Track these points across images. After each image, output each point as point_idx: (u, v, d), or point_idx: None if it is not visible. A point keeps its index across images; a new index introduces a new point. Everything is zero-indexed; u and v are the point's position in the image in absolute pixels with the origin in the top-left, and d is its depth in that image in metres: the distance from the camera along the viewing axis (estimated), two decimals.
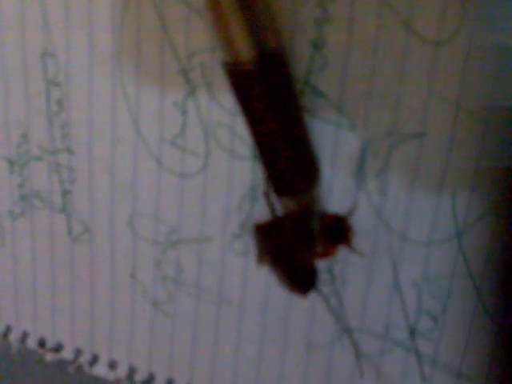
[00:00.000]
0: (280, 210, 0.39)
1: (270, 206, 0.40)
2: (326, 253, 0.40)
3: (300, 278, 0.40)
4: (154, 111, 0.41)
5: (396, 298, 0.40)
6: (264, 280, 0.42)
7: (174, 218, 0.43)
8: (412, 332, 0.40)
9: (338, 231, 0.40)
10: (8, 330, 0.51)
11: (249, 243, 0.42)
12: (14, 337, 0.51)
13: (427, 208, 0.38)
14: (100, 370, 0.50)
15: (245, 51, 0.34)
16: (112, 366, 0.49)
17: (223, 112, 0.39)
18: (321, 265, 0.40)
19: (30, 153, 0.45)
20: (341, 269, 0.40)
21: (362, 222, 0.39)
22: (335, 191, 0.39)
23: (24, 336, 0.51)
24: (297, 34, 0.36)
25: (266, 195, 0.40)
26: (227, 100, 0.39)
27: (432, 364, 0.40)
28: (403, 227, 0.38)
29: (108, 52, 0.41)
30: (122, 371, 0.49)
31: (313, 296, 0.41)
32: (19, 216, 0.47)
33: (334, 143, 0.38)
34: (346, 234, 0.40)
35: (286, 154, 0.36)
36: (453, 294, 0.39)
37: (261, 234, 0.41)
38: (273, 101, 0.35)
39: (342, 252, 0.40)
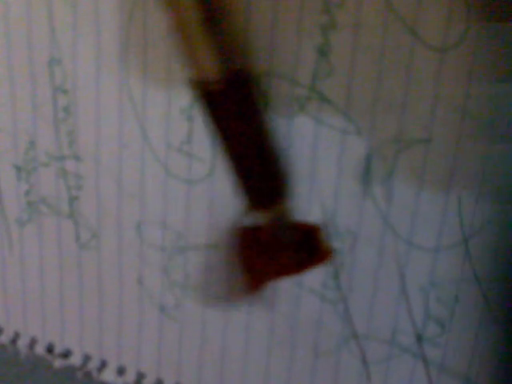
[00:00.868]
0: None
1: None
2: (298, 266, 0.41)
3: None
4: (160, 118, 0.41)
5: (403, 304, 0.40)
6: (271, 285, 0.42)
7: (180, 223, 0.43)
8: (419, 338, 0.40)
9: (311, 244, 0.40)
10: (16, 336, 0.52)
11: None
12: (22, 343, 0.52)
13: (433, 213, 0.38)
14: (108, 375, 0.50)
15: (212, 71, 0.35)
16: (120, 371, 0.49)
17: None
18: (327, 270, 0.40)
19: (37, 159, 0.45)
20: (347, 275, 0.40)
21: (368, 228, 0.39)
22: (341, 197, 0.39)
23: (32, 342, 0.51)
24: (303, 41, 0.36)
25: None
26: None
27: (439, 369, 0.40)
28: (410, 233, 0.38)
29: (115, 59, 0.41)
30: (130, 377, 0.49)
31: (320, 302, 0.41)
32: (27, 222, 0.47)
33: (341, 149, 0.38)
34: (319, 247, 0.40)
35: (254, 170, 0.37)
36: (460, 299, 0.39)
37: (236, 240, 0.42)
38: (240, 119, 0.36)
39: (347, 258, 0.40)
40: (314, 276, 0.41)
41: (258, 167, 0.37)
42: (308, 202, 0.40)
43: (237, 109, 0.35)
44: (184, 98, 0.40)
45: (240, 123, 0.36)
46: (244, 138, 0.36)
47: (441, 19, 0.34)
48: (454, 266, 0.38)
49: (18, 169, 0.46)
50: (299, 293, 0.42)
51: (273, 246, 0.40)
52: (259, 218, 0.39)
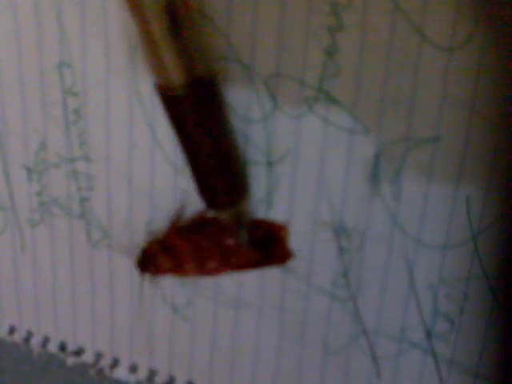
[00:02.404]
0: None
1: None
2: (255, 263, 0.42)
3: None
4: None
5: (412, 301, 0.40)
6: (281, 283, 0.43)
7: None
8: (428, 334, 0.40)
9: (268, 243, 0.42)
10: (29, 335, 0.52)
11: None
12: (35, 341, 0.52)
13: (442, 211, 0.38)
14: (121, 373, 0.50)
15: (176, 76, 0.35)
16: (132, 369, 0.50)
17: (237, 119, 0.40)
18: (336, 268, 0.41)
19: (47, 161, 0.46)
20: (357, 273, 0.41)
21: (377, 227, 0.39)
22: (350, 196, 0.39)
23: (45, 340, 0.52)
24: (310, 42, 0.37)
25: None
26: (241, 107, 0.39)
27: (449, 365, 0.41)
28: (418, 231, 0.38)
29: (124, 60, 0.41)
30: (142, 374, 0.49)
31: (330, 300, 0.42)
32: (38, 223, 0.48)
33: (349, 149, 0.38)
34: (281, 246, 0.42)
35: (214, 172, 0.38)
36: (469, 296, 0.39)
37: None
38: (202, 123, 0.37)
39: (356, 257, 0.40)
40: (324, 275, 0.41)
41: (217, 169, 0.38)
42: (316, 202, 0.40)
43: (199, 113, 0.36)
44: None
45: (202, 127, 0.37)
46: (205, 142, 0.37)
47: (448, 19, 0.34)
48: (462, 263, 0.38)
49: (29, 170, 0.46)
50: (309, 291, 0.42)
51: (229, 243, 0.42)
52: (219, 217, 0.41)
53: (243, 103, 0.39)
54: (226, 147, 0.38)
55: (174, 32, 0.35)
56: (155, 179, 0.43)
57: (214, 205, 0.40)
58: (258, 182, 0.41)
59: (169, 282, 0.45)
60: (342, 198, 0.39)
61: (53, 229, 0.48)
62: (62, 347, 0.51)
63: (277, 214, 0.41)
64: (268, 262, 0.42)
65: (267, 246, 0.42)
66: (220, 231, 0.41)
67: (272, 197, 0.41)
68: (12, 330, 0.53)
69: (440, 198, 0.37)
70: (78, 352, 0.51)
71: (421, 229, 0.38)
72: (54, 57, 0.43)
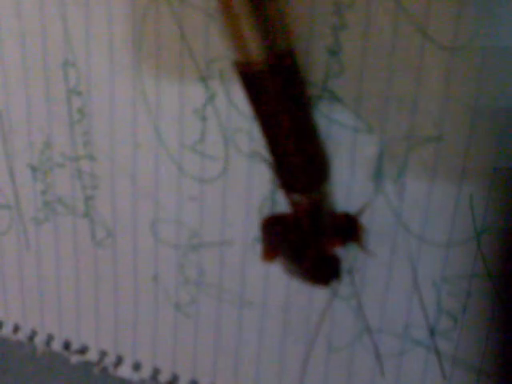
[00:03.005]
0: (290, 207, 0.39)
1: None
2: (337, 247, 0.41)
3: (320, 268, 0.41)
4: (174, 117, 0.42)
5: (415, 299, 0.40)
6: (285, 281, 0.43)
7: (195, 221, 0.44)
8: (432, 331, 0.41)
9: (348, 230, 0.40)
10: (34, 333, 0.52)
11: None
12: (39, 340, 0.52)
13: (445, 209, 0.38)
14: (124, 371, 0.50)
15: (256, 52, 0.34)
16: (136, 367, 0.50)
17: (242, 117, 0.40)
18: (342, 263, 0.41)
19: (52, 160, 0.46)
20: (360, 270, 0.41)
21: (380, 225, 0.39)
22: (354, 194, 0.39)
23: (49, 339, 0.52)
24: (314, 41, 0.37)
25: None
26: (245, 106, 0.39)
27: (452, 362, 0.41)
28: (422, 229, 0.39)
29: (128, 60, 0.41)
30: (146, 372, 0.50)
31: (333, 296, 0.42)
32: (43, 222, 0.48)
33: (352, 147, 0.38)
34: (357, 232, 0.40)
35: (295, 153, 0.36)
36: (472, 293, 0.39)
37: (270, 228, 0.41)
38: (283, 101, 0.35)
39: (360, 255, 0.40)
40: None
41: (299, 150, 0.36)
42: None
43: (279, 91, 0.35)
44: (197, 98, 0.40)
45: (282, 105, 0.35)
46: (285, 121, 0.35)
47: (451, 18, 0.34)
48: (465, 261, 0.38)
49: (34, 169, 0.47)
50: (312, 289, 0.42)
51: (312, 231, 0.39)
52: (298, 202, 0.38)
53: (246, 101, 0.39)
54: (306, 126, 0.37)
55: (254, 6, 0.33)
56: (159, 178, 0.44)
57: (292, 187, 0.38)
58: (260, 179, 0.41)
59: (172, 281, 0.46)
60: (345, 196, 0.39)
61: (57, 227, 0.48)
62: (66, 345, 0.52)
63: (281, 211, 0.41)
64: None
65: (345, 239, 0.40)
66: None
67: (276, 195, 0.41)
68: (16, 329, 0.53)
69: (443, 196, 0.38)
70: (82, 350, 0.51)
71: (424, 227, 0.38)
72: (58, 56, 0.43)
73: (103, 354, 0.51)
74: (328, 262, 0.41)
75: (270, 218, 0.41)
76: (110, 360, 0.51)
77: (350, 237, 0.40)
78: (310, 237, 0.39)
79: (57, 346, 0.52)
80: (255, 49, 0.34)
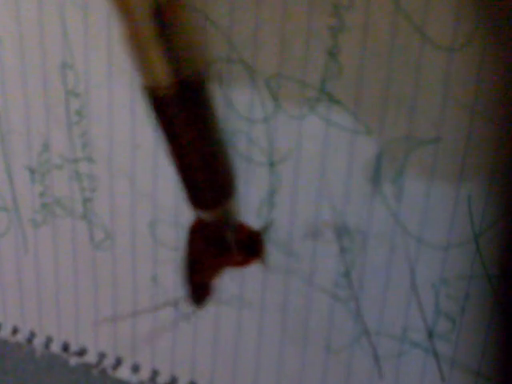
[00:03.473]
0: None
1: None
2: (239, 263, 0.43)
3: (196, 290, 0.44)
4: None
5: (414, 301, 0.40)
6: (283, 283, 0.43)
7: None
8: (430, 333, 0.41)
9: (251, 245, 0.42)
10: (32, 335, 0.52)
11: (268, 248, 0.42)
12: (38, 342, 0.52)
13: (444, 211, 0.38)
14: (123, 373, 0.50)
15: (164, 77, 0.35)
16: (135, 369, 0.50)
17: (240, 120, 0.40)
18: (338, 269, 0.41)
19: (50, 162, 0.46)
20: (358, 273, 0.41)
21: (378, 227, 0.39)
22: (352, 196, 0.39)
23: (48, 341, 0.52)
24: (312, 43, 0.37)
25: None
26: (244, 108, 0.39)
27: (451, 365, 0.41)
28: (420, 230, 0.39)
29: (126, 62, 0.41)
30: (144, 374, 0.49)
31: (331, 299, 0.42)
32: (41, 224, 0.48)
33: (350, 149, 0.38)
34: (259, 248, 0.42)
35: (199, 171, 0.38)
36: (470, 295, 0.39)
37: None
38: (188, 123, 0.37)
39: (358, 257, 0.40)
40: (326, 275, 0.41)
41: (201, 169, 0.38)
42: (318, 202, 0.40)
43: (186, 114, 0.36)
44: None
45: (188, 127, 0.37)
46: (191, 142, 0.37)
47: (449, 19, 0.34)
48: (464, 262, 0.38)
49: (32, 171, 0.47)
50: (311, 291, 0.42)
51: (218, 243, 0.42)
52: (205, 217, 0.40)
53: (245, 104, 0.39)
54: (213, 147, 0.38)
55: (161, 33, 0.35)
56: (158, 180, 0.43)
57: (198, 204, 0.40)
58: (259, 182, 0.41)
59: (171, 282, 0.46)
60: (343, 198, 0.39)
61: (55, 229, 0.48)
62: (65, 347, 0.52)
63: (279, 215, 0.41)
64: (248, 261, 0.43)
65: (249, 250, 0.42)
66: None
67: (274, 197, 0.41)
68: (15, 331, 0.53)
69: (442, 198, 0.38)
70: (81, 352, 0.51)
71: (422, 228, 0.38)
72: (56, 58, 0.43)
73: (102, 355, 0.51)
74: (202, 288, 0.44)
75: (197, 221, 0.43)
76: (108, 362, 0.51)
77: (252, 253, 0.42)
78: (208, 251, 0.42)
79: (55, 347, 0.52)
80: (162, 74, 0.35)
